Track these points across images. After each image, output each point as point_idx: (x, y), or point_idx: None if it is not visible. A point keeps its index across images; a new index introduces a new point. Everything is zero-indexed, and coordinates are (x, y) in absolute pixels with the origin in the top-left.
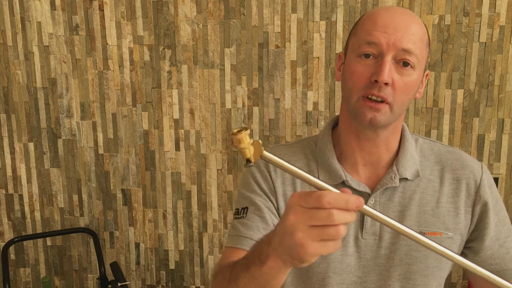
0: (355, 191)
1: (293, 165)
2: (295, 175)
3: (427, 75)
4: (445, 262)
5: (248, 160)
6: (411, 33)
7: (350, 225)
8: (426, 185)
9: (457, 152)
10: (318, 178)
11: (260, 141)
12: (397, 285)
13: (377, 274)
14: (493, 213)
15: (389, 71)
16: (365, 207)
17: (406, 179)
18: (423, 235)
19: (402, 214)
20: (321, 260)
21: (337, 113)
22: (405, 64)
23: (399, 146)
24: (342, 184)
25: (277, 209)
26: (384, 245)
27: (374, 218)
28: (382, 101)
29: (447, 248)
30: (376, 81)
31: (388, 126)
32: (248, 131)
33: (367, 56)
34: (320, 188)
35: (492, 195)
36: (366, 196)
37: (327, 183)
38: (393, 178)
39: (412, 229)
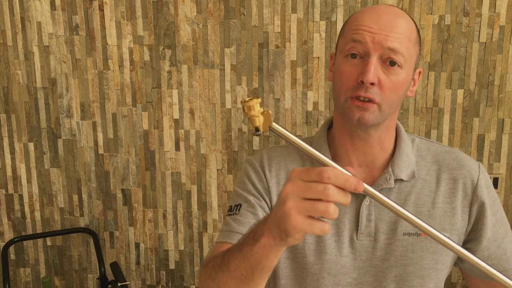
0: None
1: (301, 140)
2: (302, 150)
3: (419, 73)
4: (442, 263)
5: (257, 129)
6: (396, 31)
7: (345, 226)
8: (422, 186)
9: (454, 152)
10: None
11: (271, 112)
12: (393, 286)
13: (373, 276)
14: (490, 213)
15: (374, 70)
16: (366, 186)
17: (402, 180)
18: (418, 236)
19: (397, 216)
20: (316, 261)
21: None
22: (392, 63)
23: (395, 147)
24: None
25: (271, 209)
26: (379, 246)
27: (376, 199)
28: (370, 101)
29: (449, 238)
30: (362, 82)
31: (380, 125)
32: (260, 100)
33: (353, 56)
34: (325, 165)
35: (490, 195)
36: (361, 197)
37: None
38: (388, 179)
39: (414, 215)
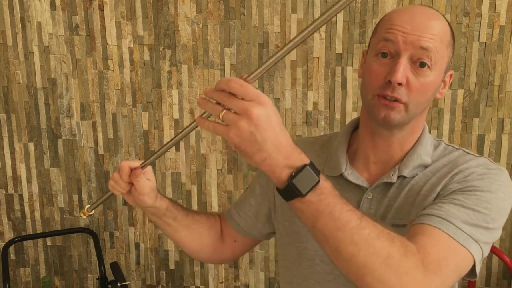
0: (353, 185)
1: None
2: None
3: (451, 76)
4: None
5: None
6: (429, 32)
7: None
8: (420, 179)
9: (472, 156)
10: (324, 169)
11: None
12: None
13: None
14: (460, 192)
15: (403, 71)
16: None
17: (404, 176)
18: (404, 228)
19: (390, 208)
20: (311, 247)
21: (337, 113)
22: (422, 64)
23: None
24: (341, 177)
25: (275, 202)
26: None
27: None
28: (397, 101)
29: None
30: (390, 81)
31: (405, 126)
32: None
33: (384, 55)
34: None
35: (473, 184)
36: (363, 190)
37: (329, 174)
38: (392, 175)
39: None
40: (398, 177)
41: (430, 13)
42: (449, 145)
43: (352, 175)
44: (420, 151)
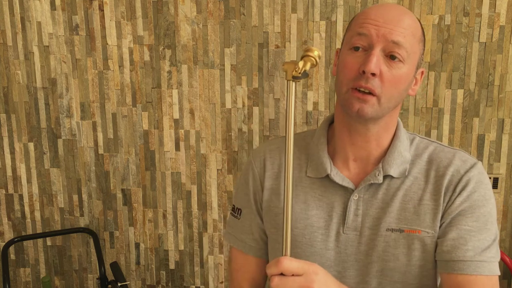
0: (339, 186)
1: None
2: None
3: (422, 73)
4: (425, 261)
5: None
6: (401, 26)
7: (332, 220)
8: (412, 183)
9: (451, 151)
10: (306, 171)
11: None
12: (375, 281)
13: (356, 270)
14: (469, 214)
15: (376, 62)
16: None
17: (391, 176)
18: (400, 233)
19: (383, 211)
20: (302, 253)
21: None
22: (393, 57)
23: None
24: (326, 178)
25: (261, 205)
26: (364, 241)
27: None
28: (370, 93)
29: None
30: (363, 72)
31: (379, 121)
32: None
33: (357, 48)
34: None
35: (473, 197)
36: (349, 191)
37: (314, 176)
38: (377, 175)
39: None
40: (385, 177)
41: (402, 9)
42: (423, 138)
43: (337, 176)
44: (400, 148)
